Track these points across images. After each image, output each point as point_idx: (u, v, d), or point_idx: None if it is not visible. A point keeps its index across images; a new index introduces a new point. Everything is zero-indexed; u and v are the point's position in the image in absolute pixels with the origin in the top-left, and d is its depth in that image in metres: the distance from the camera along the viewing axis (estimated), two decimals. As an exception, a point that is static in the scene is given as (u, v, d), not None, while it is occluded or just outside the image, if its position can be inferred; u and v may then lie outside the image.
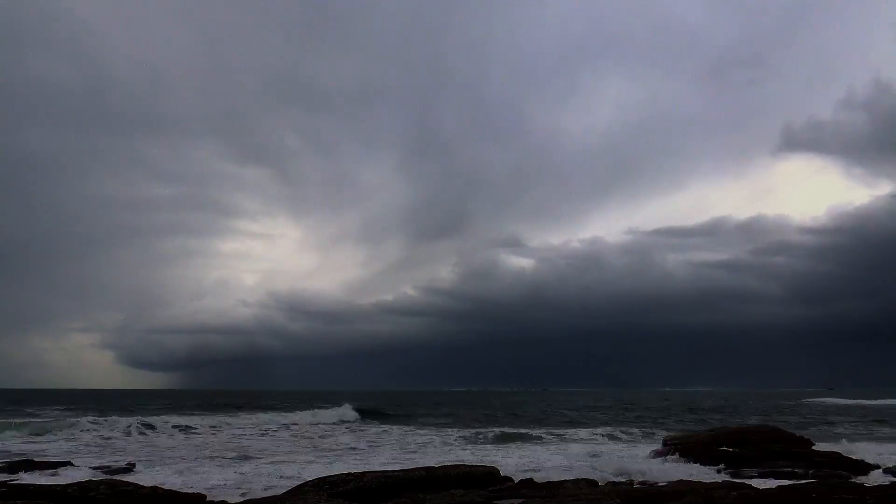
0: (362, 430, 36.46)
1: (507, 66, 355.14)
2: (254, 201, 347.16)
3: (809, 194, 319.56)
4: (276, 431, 35.24)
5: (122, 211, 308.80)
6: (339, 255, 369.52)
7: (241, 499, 14.83)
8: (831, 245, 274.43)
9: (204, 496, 13.97)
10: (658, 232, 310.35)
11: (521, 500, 13.24)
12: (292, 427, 37.91)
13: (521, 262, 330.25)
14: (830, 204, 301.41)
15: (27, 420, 38.05)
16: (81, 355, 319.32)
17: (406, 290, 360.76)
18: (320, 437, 32.54)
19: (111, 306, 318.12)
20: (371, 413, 49.76)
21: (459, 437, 31.33)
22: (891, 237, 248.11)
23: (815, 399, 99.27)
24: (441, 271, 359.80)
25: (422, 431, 34.76)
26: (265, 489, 16.31)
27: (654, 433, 33.25)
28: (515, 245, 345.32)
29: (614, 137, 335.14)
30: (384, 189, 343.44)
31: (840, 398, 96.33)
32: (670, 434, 25.05)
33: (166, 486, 14.70)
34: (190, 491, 14.79)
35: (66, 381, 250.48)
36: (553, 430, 35.13)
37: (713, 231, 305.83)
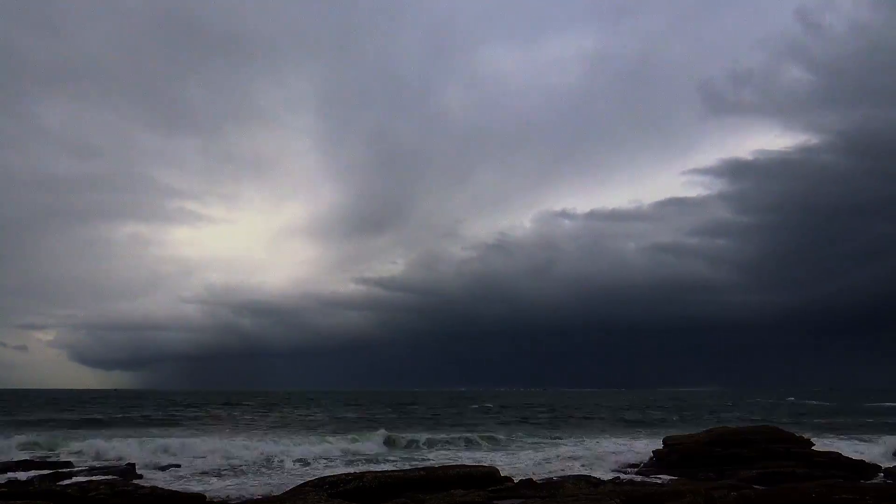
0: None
1: (422, 34, 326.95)
2: (189, 180, 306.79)
3: (743, 160, 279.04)
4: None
5: (34, 191, 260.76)
6: (281, 245, 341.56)
7: (241, 498, 14.85)
8: (774, 223, 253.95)
9: (204, 496, 13.98)
10: (594, 215, 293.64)
11: (520, 500, 13.24)
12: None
13: (468, 253, 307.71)
14: (768, 170, 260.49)
15: None
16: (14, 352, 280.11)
17: (352, 283, 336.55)
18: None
19: (50, 301, 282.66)
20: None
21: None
22: (840, 205, 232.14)
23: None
24: (387, 264, 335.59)
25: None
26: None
27: (654, 433, 33.25)
28: (461, 234, 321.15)
29: (539, 115, 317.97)
30: (325, 173, 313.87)
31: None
32: (670, 434, 25.02)
33: (166, 487, 14.70)
34: (189, 491, 14.79)
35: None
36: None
37: (651, 213, 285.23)
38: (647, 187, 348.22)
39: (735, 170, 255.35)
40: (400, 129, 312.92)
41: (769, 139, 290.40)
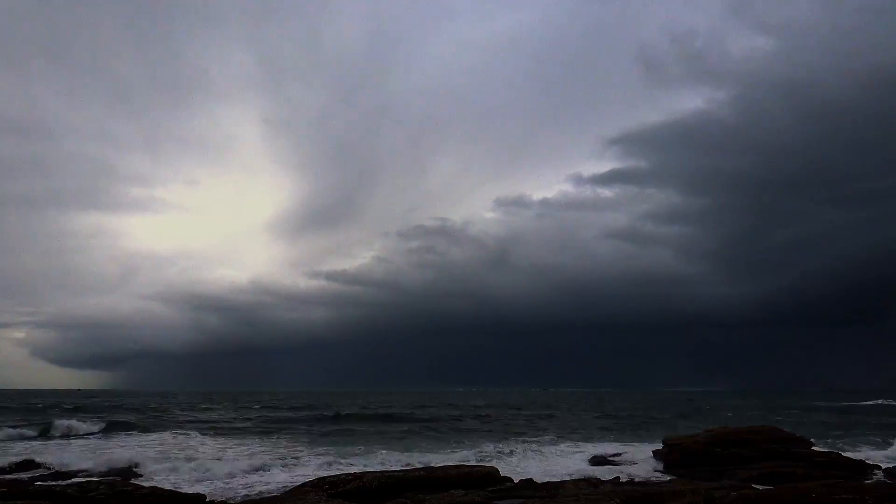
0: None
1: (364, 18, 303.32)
2: (138, 164, 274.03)
3: (691, 130, 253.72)
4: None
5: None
6: (239, 238, 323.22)
7: (241, 499, 14.84)
8: (728, 205, 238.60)
9: (204, 496, 13.96)
10: (550, 203, 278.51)
11: (520, 501, 13.24)
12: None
13: (427, 244, 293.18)
14: (717, 141, 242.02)
15: None
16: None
17: (313, 279, 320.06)
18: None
19: (13, 297, 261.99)
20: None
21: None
22: (794, 180, 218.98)
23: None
24: (345, 258, 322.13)
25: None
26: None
27: (654, 433, 33.26)
28: (421, 226, 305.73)
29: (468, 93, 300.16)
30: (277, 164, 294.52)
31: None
32: (670, 435, 25.04)
33: (166, 486, 14.69)
34: (189, 491, 14.78)
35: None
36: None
37: (608, 196, 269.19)
38: (592, 162, 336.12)
39: (683, 141, 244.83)
40: (352, 116, 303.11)
41: (715, 107, 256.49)
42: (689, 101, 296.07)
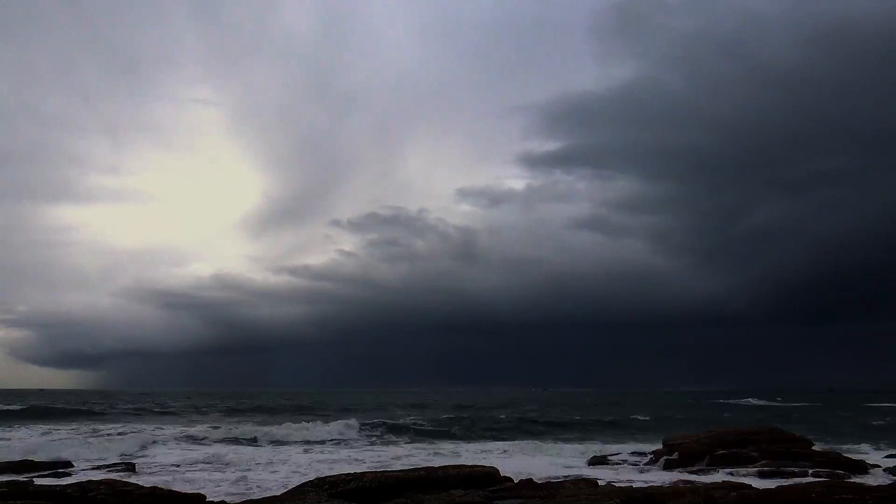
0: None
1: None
2: (104, 153, 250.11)
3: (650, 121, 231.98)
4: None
5: None
6: (208, 234, 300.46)
7: (241, 499, 14.84)
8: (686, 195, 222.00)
9: (203, 496, 13.97)
10: (514, 193, 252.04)
11: (520, 501, 13.23)
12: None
13: (403, 239, 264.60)
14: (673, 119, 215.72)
15: None
16: None
17: (278, 274, 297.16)
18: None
19: None
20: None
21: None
22: (757, 161, 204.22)
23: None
24: (314, 254, 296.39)
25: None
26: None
27: (653, 434, 33.26)
28: (393, 219, 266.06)
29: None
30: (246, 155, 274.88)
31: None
32: (670, 435, 25.05)
33: (166, 487, 14.70)
34: (189, 491, 14.79)
35: None
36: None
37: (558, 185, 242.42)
38: (542, 139, 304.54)
39: (633, 113, 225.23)
40: (318, 104, 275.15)
41: (664, 73, 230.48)
42: (636, 68, 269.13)
